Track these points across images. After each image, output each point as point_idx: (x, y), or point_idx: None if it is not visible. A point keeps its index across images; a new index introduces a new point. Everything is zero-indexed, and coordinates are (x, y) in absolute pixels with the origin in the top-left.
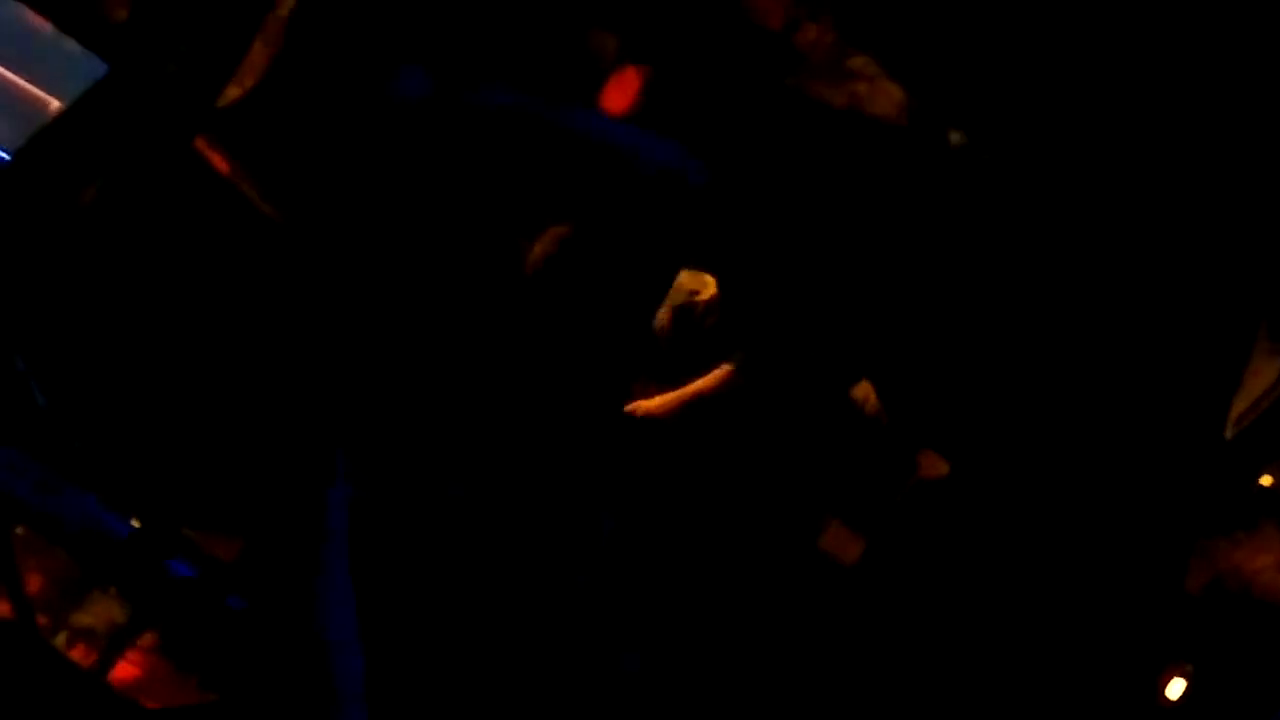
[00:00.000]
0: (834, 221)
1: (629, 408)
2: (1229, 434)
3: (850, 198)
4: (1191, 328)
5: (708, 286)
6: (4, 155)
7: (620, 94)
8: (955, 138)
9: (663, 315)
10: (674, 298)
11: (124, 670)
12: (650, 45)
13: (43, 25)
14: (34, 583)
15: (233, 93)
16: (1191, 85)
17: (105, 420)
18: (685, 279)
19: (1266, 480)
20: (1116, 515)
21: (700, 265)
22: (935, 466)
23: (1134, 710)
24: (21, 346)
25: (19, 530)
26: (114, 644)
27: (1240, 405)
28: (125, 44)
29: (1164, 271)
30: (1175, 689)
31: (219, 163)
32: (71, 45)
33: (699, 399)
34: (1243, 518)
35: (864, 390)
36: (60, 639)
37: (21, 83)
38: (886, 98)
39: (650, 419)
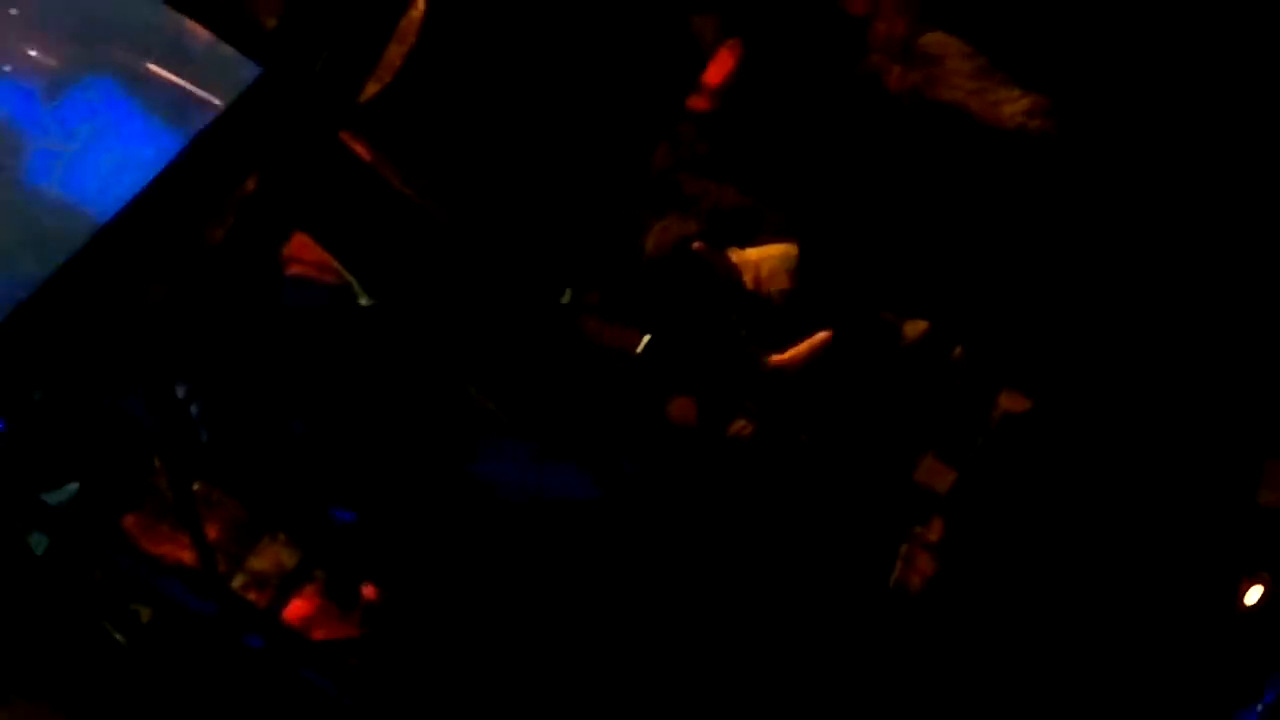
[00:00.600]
0: (912, 197)
1: (769, 360)
2: None
3: (924, 176)
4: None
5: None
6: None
7: (719, 68)
8: None
9: (782, 279)
10: (788, 263)
11: (294, 609)
12: (743, 25)
13: (203, 33)
14: (212, 531)
15: (372, 88)
16: None
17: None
18: (782, 248)
19: None
20: (1190, 442)
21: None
22: (1018, 403)
23: (1216, 615)
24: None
25: (197, 486)
26: (284, 586)
27: None
28: (276, 48)
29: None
30: (1253, 596)
31: (362, 152)
32: (228, 51)
33: (818, 351)
34: None
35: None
36: (238, 582)
37: (186, 85)
38: (959, 77)
39: (782, 369)
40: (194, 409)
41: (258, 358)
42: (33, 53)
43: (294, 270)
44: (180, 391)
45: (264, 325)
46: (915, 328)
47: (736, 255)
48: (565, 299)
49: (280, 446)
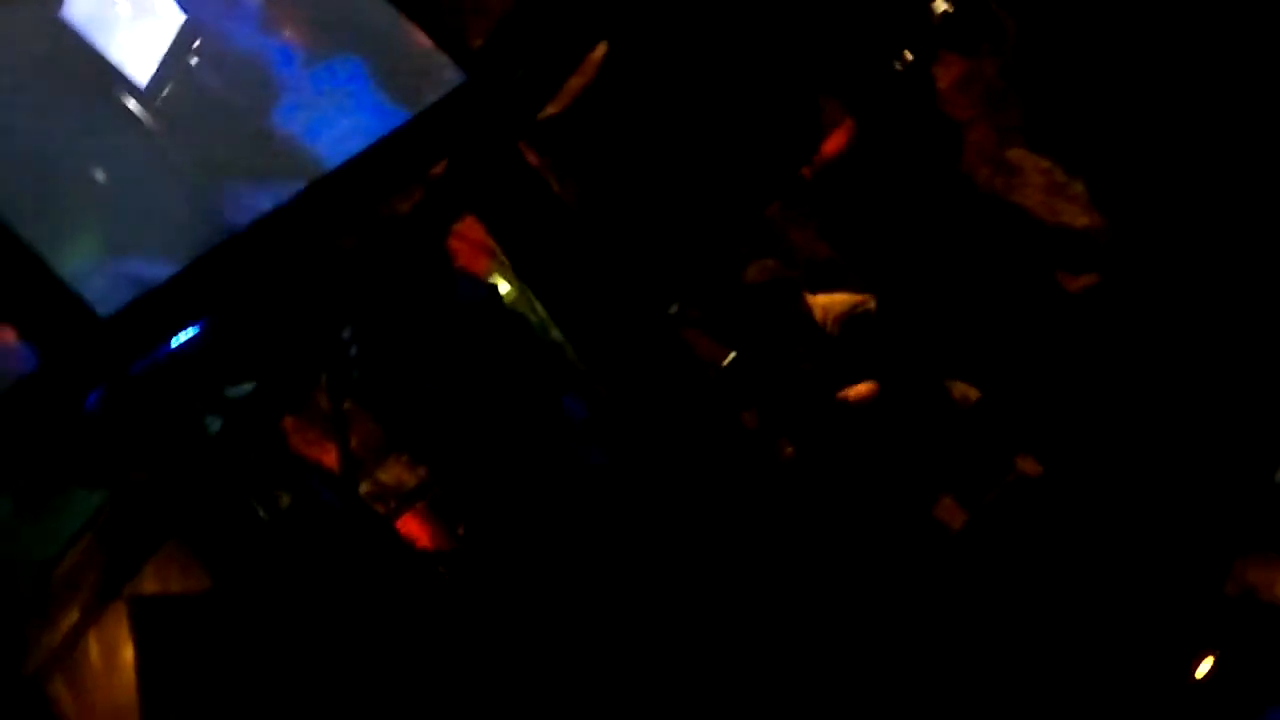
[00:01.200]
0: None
1: (841, 394)
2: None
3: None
4: (1252, 394)
5: (867, 302)
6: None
7: (834, 143)
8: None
9: (834, 325)
10: (840, 308)
11: (407, 520)
12: (860, 110)
13: (427, 42)
14: (352, 443)
15: (551, 110)
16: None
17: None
18: (848, 297)
19: None
20: (1174, 532)
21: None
22: (1033, 468)
23: (1169, 684)
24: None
25: (347, 404)
26: (403, 500)
27: None
28: (480, 64)
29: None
30: (1203, 668)
31: (533, 158)
32: (443, 57)
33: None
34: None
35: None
36: (364, 489)
37: (408, 78)
38: (1033, 189)
39: (853, 403)
40: (353, 350)
41: (412, 319)
42: (288, 32)
43: (457, 246)
44: (346, 333)
45: (423, 293)
46: (966, 392)
47: (810, 298)
48: (673, 310)
49: (415, 391)
